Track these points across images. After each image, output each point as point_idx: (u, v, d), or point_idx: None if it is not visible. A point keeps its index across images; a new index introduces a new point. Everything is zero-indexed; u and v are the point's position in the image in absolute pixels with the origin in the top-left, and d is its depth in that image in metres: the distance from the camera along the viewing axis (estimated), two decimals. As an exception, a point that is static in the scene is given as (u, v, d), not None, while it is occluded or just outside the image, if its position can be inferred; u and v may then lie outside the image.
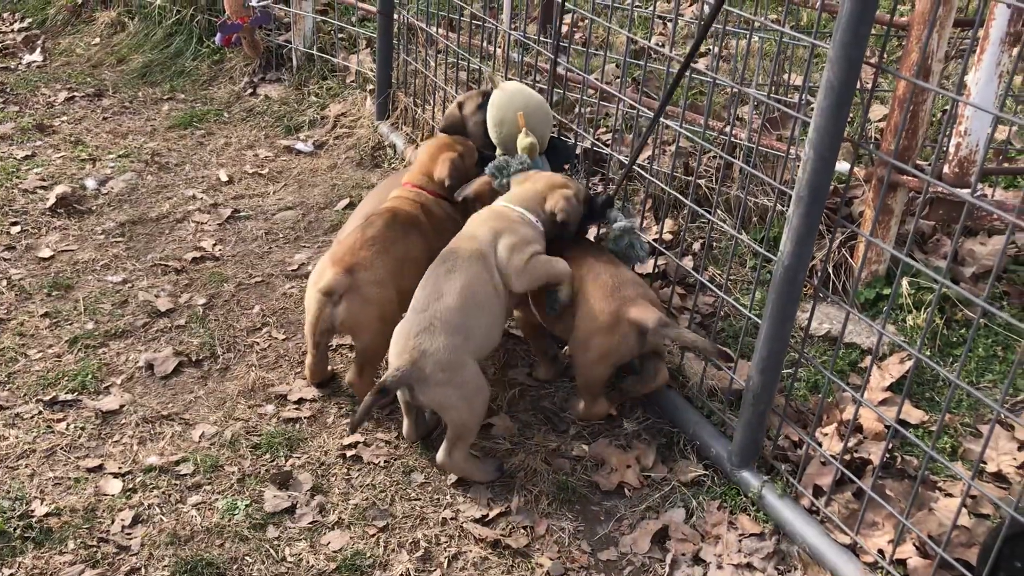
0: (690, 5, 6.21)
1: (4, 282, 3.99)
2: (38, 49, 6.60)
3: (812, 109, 2.45)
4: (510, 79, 4.01)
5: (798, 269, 2.60)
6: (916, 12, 3.26)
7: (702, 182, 4.01)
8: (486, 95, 3.76)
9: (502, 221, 3.11)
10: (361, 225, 3.35)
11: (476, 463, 3.04)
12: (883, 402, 3.24)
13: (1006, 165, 4.24)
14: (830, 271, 3.65)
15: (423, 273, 3.24)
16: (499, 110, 3.51)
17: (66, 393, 3.36)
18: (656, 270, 3.86)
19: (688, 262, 3.88)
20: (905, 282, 3.58)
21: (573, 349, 3.18)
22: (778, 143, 3.76)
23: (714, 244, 3.99)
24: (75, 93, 5.95)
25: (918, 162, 3.49)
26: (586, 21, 5.40)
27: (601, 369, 3.09)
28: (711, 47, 5.93)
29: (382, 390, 2.86)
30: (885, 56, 5.42)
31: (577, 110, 4.38)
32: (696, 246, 3.99)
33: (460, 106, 3.79)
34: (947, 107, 4.38)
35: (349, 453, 3.13)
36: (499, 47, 4.67)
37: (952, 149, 3.40)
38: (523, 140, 3.41)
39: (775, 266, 2.63)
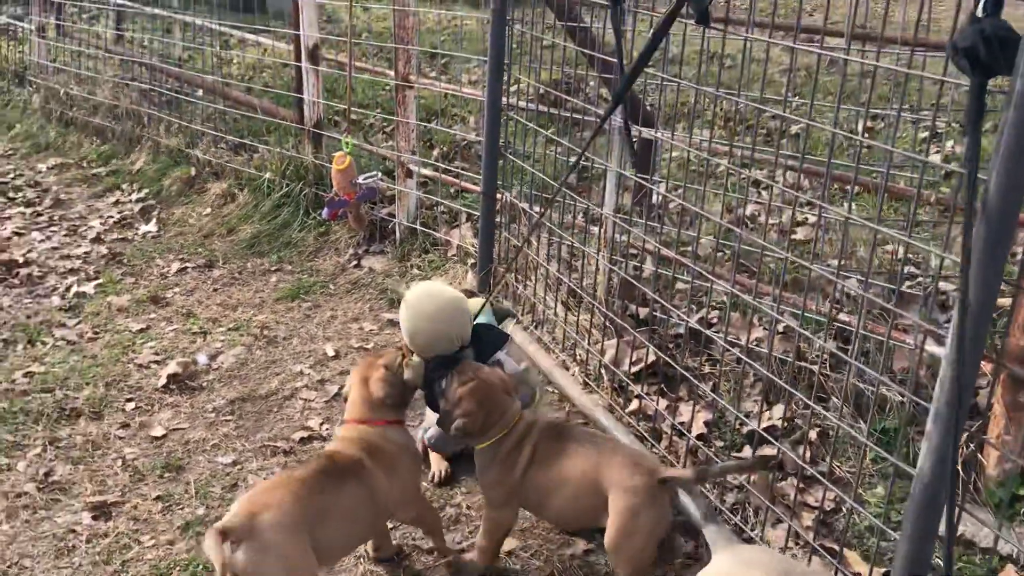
0: (784, 172, 6.24)
1: (120, 462, 4.08)
2: (153, 219, 6.97)
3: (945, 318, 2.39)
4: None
5: (938, 488, 2.48)
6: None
7: (815, 368, 3.92)
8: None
9: None
10: (295, 465, 3.21)
11: None
12: (1030, 617, 3.02)
13: None
14: (959, 470, 3.48)
15: (359, 530, 3.10)
16: (407, 322, 3.45)
17: (178, 586, 3.36)
18: (773, 461, 3.74)
19: (806, 451, 3.75)
20: (1042, 480, 3.39)
21: None
22: (896, 332, 3.68)
23: (830, 433, 3.86)
24: (187, 264, 6.22)
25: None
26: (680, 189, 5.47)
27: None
28: (807, 215, 5.94)
29: None
30: None
31: (675, 287, 4.38)
32: (813, 435, 3.88)
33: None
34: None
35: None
36: (602, 228, 4.75)
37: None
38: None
39: (913, 484, 2.51)
